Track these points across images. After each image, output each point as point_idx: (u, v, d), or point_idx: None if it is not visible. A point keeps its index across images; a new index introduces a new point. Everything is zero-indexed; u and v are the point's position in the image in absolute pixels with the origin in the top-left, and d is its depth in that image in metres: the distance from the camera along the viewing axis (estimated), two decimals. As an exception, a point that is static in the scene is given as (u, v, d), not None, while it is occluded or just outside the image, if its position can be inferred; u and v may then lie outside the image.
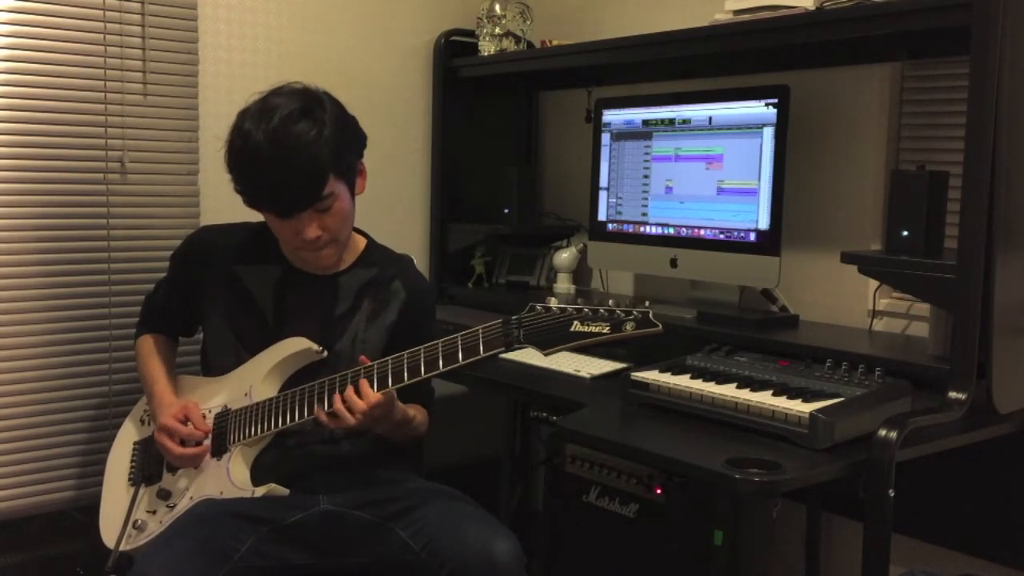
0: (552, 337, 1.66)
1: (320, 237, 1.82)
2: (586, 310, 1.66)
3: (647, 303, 1.67)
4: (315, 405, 1.78)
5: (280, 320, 1.93)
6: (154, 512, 1.89)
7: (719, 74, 2.50)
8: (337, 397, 1.75)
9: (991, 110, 1.67)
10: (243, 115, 1.81)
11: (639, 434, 1.76)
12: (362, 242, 2.03)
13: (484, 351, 1.69)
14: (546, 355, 1.68)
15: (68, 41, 2.24)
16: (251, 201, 1.82)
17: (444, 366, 1.71)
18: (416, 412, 1.94)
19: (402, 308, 1.97)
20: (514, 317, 1.68)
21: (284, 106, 1.77)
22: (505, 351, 1.70)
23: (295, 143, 1.74)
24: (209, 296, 1.97)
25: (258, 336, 1.91)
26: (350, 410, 1.73)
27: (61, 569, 2.27)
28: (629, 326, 1.64)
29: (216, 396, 1.92)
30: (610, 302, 1.67)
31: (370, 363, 1.76)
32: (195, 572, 1.63)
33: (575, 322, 1.65)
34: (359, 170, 1.90)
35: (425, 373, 1.72)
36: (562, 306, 1.67)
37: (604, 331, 1.64)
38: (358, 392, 1.73)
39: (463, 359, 1.70)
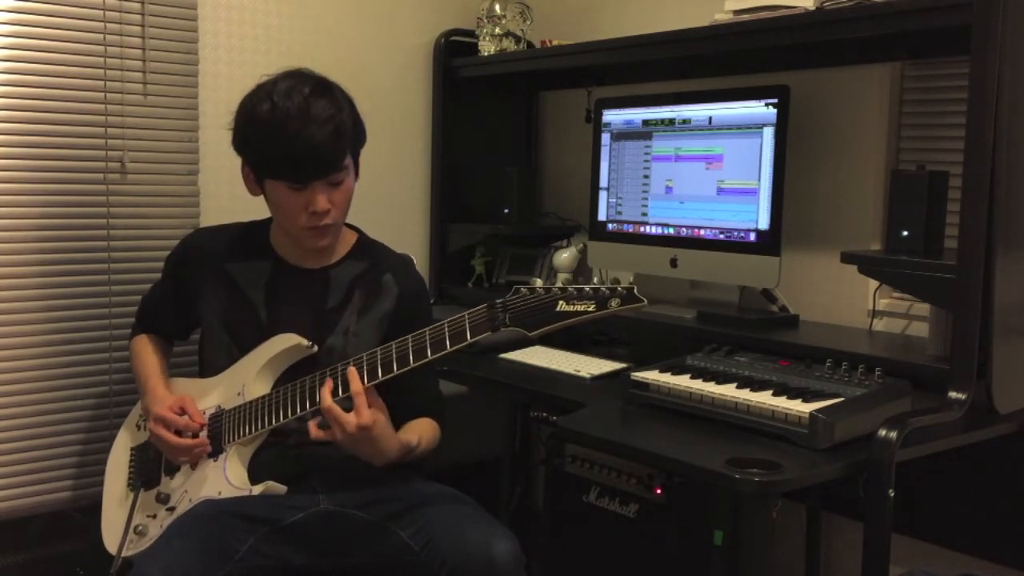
0: (538, 318, 1.65)
1: (328, 211, 1.83)
2: (571, 289, 1.65)
3: (631, 279, 1.66)
4: (306, 403, 1.78)
5: (273, 315, 1.93)
6: (154, 516, 1.89)
7: (719, 74, 2.49)
8: (326, 392, 1.74)
9: (991, 110, 1.67)
10: (261, 89, 1.83)
11: (639, 434, 1.76)
12: (352, 236, 2.03)
13: (471, 336, 1.67)
14: (532, 336, 1.66)
15: (68, 41, 2.24)
16: (270, 168, 1.82)
17: (432, 354, 1.69)
18: (421, 433, 1.89)
19: (395, 302, 1.97)
20: (499, 301, 1.67)
21: (306, 82, 1.83)
22: (492, 335, 1.68)
23: (324, 112, 1.79)
24: (203, 297, 1.97)
25: (251, 333, 1.91)
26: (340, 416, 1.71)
27: (61, 569, 2.27)
28: (614, 303, 1.64)
29: (209, 396, 1.92)
30: (594, 280, 1.66)
31: (359, 355, 1.76)
32: (195, 572, 1.63)
33: (560, 302, 1.64)
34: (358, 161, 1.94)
35: (414, 362, 1.71)
36: (547, 287, 1.66)
37: (590, 309, 1.64)
38: (338, 388, 1.73)
39: (451, 346, 1.69)
